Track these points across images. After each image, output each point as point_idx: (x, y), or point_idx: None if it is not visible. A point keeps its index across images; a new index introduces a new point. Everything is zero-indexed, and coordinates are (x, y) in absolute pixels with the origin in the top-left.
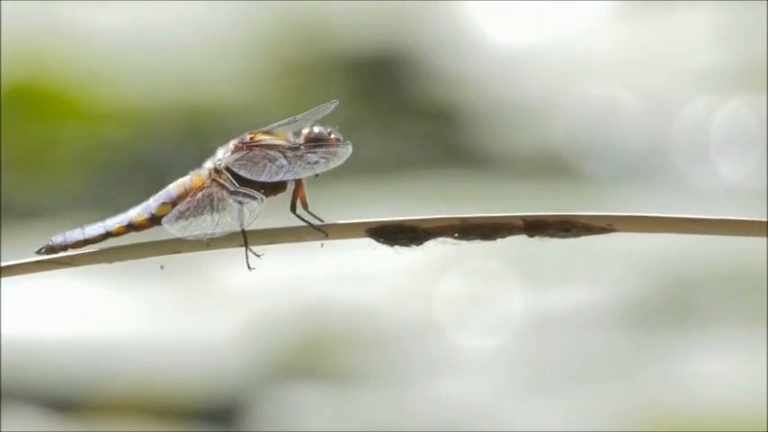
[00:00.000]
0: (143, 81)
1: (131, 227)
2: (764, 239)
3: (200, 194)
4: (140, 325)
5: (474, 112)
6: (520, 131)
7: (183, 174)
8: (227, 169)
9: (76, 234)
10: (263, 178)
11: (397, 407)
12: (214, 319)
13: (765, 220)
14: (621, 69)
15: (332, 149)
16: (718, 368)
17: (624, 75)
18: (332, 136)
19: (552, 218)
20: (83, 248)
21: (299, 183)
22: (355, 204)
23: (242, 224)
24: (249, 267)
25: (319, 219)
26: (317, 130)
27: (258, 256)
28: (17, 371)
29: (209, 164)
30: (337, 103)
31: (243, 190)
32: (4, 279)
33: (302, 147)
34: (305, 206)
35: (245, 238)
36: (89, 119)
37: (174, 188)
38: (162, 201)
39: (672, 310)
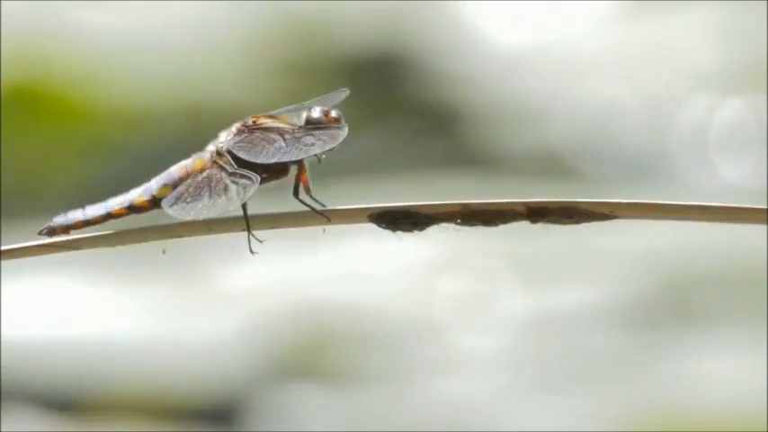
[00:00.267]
0: (143, 81)
1: (132, 208)
2: (764, 239)
3: (199, 177)
4: (140, 325)
5: (474, 112)
6: (520, 131)
7: None
8: (228, 152)
9: (78, 215)
10: (262, 160)
11: (397, 407)
12: (214, 319)
13: (766, 207)
14: (621, 69)
15: (329, 131)
16: (718, 368)
17: (624, 75)
18: (332, 115)
19: (555, 204)
20: (84, 231)
21: (301, 168)
22: (357, 199)
23: (235, 205)
24: (251, 251)
25: (322, 204)
26: (317, 113)
27: (260, 240)
28: (17, 371)
29: (211, 147)
30: (348, 91)
31: (240, 171)
32: (4, 275)
33: (301, 129)
34: (307, 191)
35: (247, 222)
36: (89, 119)
37: (175, 170)
38: (163, 183)
39: (672, 310)
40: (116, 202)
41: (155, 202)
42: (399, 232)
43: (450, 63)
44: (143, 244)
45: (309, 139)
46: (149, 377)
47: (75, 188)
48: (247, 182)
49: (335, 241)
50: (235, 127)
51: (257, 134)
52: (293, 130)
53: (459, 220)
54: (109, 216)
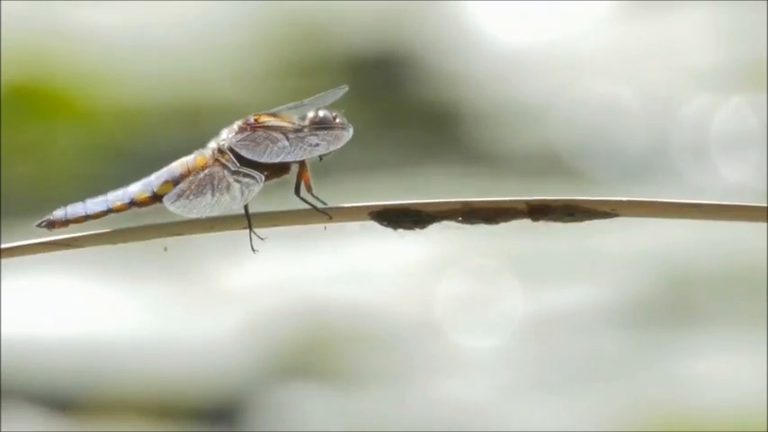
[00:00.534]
0: (143, 81)
1: (133, 203)
2: (764, 239)
3: (202, 174)
4: (140, 324)
5: (474, 112)
6: (520, 130)
7: None
8: (231, 150)
9: (78, 208)
10: (265, 159)
11: (397, 407)
12: (214, 318)
13: (765, 205)
14: (621, 69)
15: (333, 132)
16: (718, 368)
17: (624, 74)
18: (337, 120)
19: (556, 202)
20: (84, 228)
21: (302, 166)
22: (358, 197)
23: (239, 204)
24: (253, 249)
25: (323, 202)
26: (322, 113)
27: (262, 238)
28: (17, 371)
29: (212, 144)
30: (347, 88)
31: (243, 170)
32: (4, 274)
33: (305, 129)
34: (309, 189)
35: (248, 220)
36: (89, 118)
37: (176, 166)
38: (164, 179)
39: (672, 310)
40: (116, 197)
41: (156, 198)
42: (401, 230)
43: (450, 63)
44: (143, 242)
45: (313, 140)
46: (149, 377)
47: (75, 188)
48: (251, 181)
49: (336, 241)
50: (237, 125)
51: (260, 132)
52: (297, 129)
53: (460, 218)
54: (109, 211)
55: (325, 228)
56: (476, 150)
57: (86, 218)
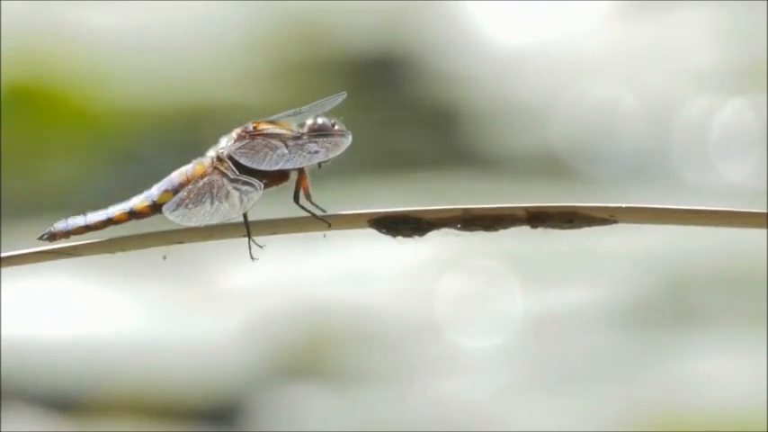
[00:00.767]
0: (143, 81)
1: (133, 214)
2: (764, 239)
3: (201, 182)
4: (140, 325)
5: (474, 112)
6: (520, 131)
7: None
8: (230, 158)
9: (79, 221)
10: (264, 167)
11: (397, 407)
12: (215, 319)
13: (765, 211)
14: (621, 69)
15: (332, 139)
16: (718, 368)
17: (624, 74)
18: (335, 127)
19: (555, 209)
20: (84, 237)
21: (301, 173)
22: (357, 202)
23: (238, 212)
24: (252, 257)
25: (322, 209)
26: (320, 121)
27: (261, 246)
28: (17, 371)
29: (211, 152)
30: (345, 95)
31: (242, 178)
32: (4, 277)
33: (304, 136)
34: (308, 197)
35: (247, 228)
36: (89, 119)
37: (176, 176)
38: (164, 188)
39: (672, 310)
40: (117, 209)
41: (155, 208)
42: (400, 237)
43: (450, 63)
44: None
45: (312, 147)
46: (149, 377)
47: (76, 188)
48: (250, 189)
49: (336, 242)
50: (235, 132)
51: (259, 140)
52: (295, 136)
53: (459, 226)
54: (110, 222)
55: (325, 235)
56: (475, 150)
57: (87, 229)
